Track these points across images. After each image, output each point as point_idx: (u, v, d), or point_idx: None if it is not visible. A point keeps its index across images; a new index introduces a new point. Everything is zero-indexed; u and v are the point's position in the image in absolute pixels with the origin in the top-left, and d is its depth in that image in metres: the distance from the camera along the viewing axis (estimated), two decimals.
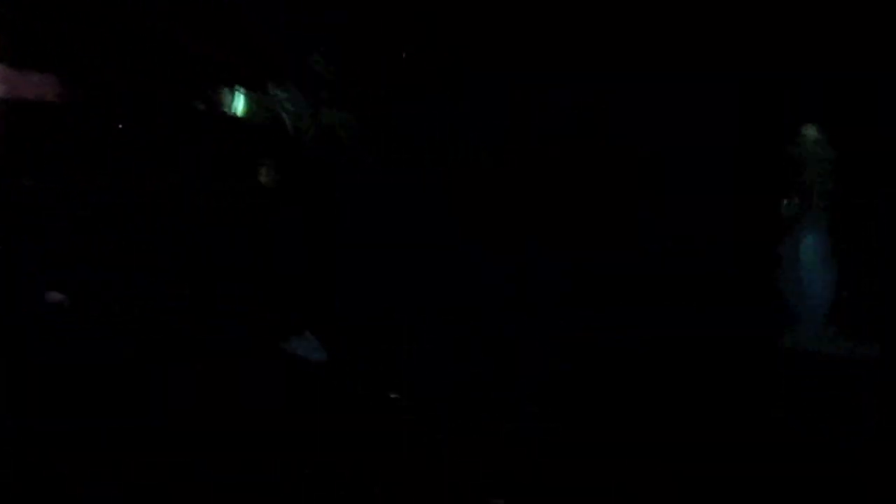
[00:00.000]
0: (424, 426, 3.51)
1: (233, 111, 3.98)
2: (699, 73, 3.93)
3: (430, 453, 3.38)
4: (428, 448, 3.40)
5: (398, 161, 4.06)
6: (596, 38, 3.99)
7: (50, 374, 3.30)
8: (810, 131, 3.98)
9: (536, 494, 3.33)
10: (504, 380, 3.83)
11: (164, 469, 3.14)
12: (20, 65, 3.54)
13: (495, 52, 4.05)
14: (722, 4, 3.95)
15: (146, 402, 3.38)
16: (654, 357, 3.79)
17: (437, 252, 3.95)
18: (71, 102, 3.64)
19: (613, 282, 3.89)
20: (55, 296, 3.53)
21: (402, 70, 4.11)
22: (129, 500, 3.06)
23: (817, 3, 3.89)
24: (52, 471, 3.06)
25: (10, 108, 3.55)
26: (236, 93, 3.96)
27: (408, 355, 3.83)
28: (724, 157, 3.96)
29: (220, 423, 3.35)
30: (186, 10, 3.84)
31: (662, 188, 3.99)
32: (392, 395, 3.69)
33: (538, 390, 3.81)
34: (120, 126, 3.73)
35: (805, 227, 3.96)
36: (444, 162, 4.05)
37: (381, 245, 3.97)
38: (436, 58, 4.09)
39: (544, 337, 3.88)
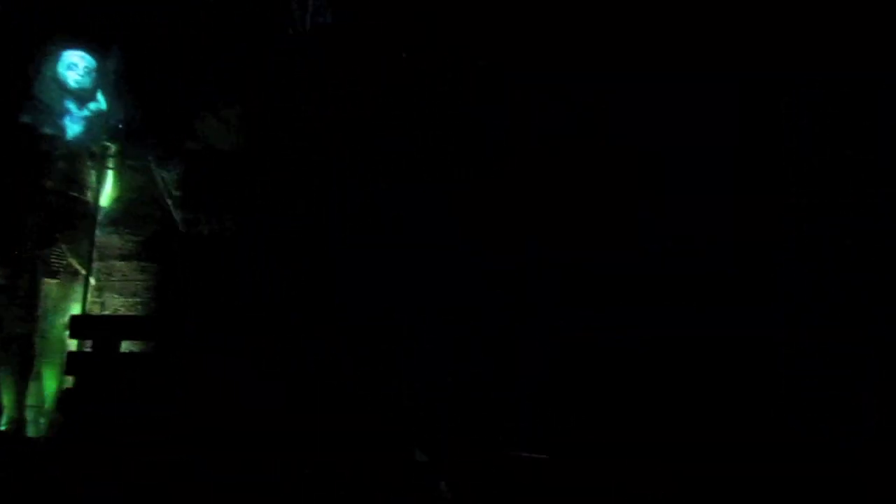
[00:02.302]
0: (424, 426, 3.51)
1: None
2: (699, 73, 3.94)
3: (429, 453, 3.38)
4: (428, 448, 3.40)
5: (397, 163, 4.06)
6: (597, 39, 3.99)
7: None
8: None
9: (536, 494, 3.33)
10: (504, 380, 3.83)
11: None
12: None
13: (496, 53, 4.05)
14: (722, 5, 3.96)
15: None
16: (654, 357, 3.79)
17: (437, 252, 3.96)
18: None
19: (613, 282, 3.89)
20: None
21: (401, 71, 4.11)
22: None
23: (817, 4, 3.90)
24: None
25: None
26: None
27: (408, 355, 3.83)
28: (724, 157, 3.96)
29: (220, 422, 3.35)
30: None
31: (662, 188, 3.99)
32: (392, 396, 3.69)
33: (538, 390, 3.81)
34: None
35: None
36: (444, 163, 4.06)
37: (382, 246, 3.97)
38: (435, 58, 4.09)
39: (544, 337, 3.88)
